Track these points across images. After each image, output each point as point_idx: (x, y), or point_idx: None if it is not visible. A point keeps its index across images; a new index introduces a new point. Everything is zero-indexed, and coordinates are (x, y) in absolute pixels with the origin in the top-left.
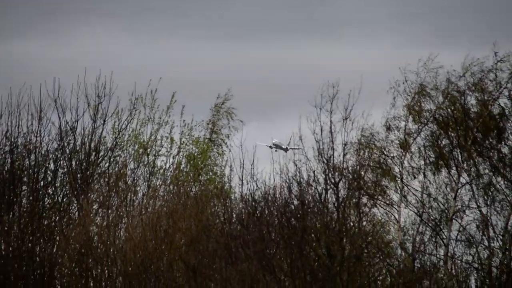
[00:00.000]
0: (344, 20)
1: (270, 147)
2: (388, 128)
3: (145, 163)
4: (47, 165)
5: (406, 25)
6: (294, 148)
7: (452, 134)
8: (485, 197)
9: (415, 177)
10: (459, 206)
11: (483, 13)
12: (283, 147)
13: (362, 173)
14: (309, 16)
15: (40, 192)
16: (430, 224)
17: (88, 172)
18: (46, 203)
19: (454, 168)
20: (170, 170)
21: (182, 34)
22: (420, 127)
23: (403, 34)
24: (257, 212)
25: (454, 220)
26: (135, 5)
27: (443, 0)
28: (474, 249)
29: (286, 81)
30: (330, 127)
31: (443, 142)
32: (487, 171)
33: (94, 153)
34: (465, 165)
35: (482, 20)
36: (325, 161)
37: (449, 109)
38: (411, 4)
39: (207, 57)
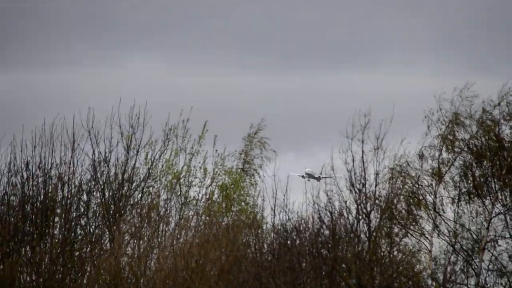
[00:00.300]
0: (378, 47)
1: (303, 176)
2: (421, 157)
3: (178, 193)
4: (80, 196)
5: (442, 52)
6: (326, 177)
7: (486, 164)
8: None
9: (444, 210)
10: (492, 236)
11: None
12: (315, 176)
13: (395, 201)
14: (342, 44)
15: (73, 223)
16: (462, 254)
17: (120, 203)
18: (78, 234)
19: (487, 197)
20: (203, 200)
21: (215, 63)
22: (454, 157)
23: (439, 61)
24: (288, 242)
25: (486, 250)
26: (167, 35)
27: (480, 29)
28: (506, 279)
29: (319, 110)
30: (362, 156)
31: (477, 172)
32: None
33: (127, 184)
34: (499, 194)
35: None
36: (357, 191)
37: (483, 138)
38: (447, 32)
39: (239, 86)
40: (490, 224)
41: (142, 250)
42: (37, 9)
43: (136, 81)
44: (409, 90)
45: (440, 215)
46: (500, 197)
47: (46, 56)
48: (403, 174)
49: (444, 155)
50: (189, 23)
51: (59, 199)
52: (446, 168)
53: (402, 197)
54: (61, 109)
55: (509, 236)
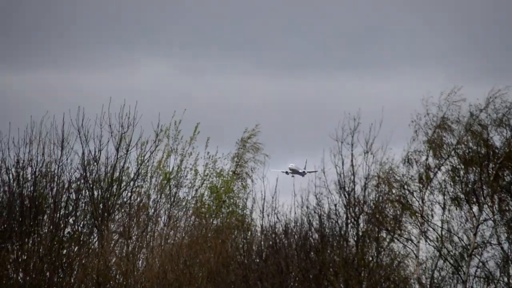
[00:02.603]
0: (368, 54)
1: (287, 172)
2: (408, 162)
3: (167, 194)
4: (68, 194)
5: (429, 59)
6: (311, 172)
7: (475, 169)
8: (507, 234)
9: (433, 215)
10: (479, 242)
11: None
12: (300, 171)
13: (382, 206)
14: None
15: (61, 222)
16: (449, 260)
17: (109, 202)
18: (66, 233)
19: (475, 203)
20: (193, 202)
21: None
22: (441, 162)
23: (427, 67)
24: (277, 245)
25: (473, 256)
26: (160, 35)
27: (468, 36)
28: (493, 286)
29: (311, 114)
30: (351, 160)
31: (465, 177)
32: (509, 207)
33: (116, 183)
34: (487, 200)
35: (507, 55)
36: (346, 195)
37: (471, 144)
38: (435, 39)
39: (233, 90)
40: (478, 230)
41: (130, 249)
42: (28, 6)
43: (126, 80)
44: (397, 95)
45: (426, 221)
46: (488, 203)
47: (35, 57)
48: (390, 179)
49: (431, 160)
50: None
51: (48, 197)
52: (433, 174)
53: (389, 202)
54: (50, 108)
55: (496, 242)
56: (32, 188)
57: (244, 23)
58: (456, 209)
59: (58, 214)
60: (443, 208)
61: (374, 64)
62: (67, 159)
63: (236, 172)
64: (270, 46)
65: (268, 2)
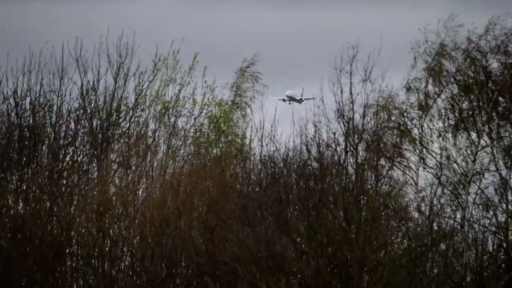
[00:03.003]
0: None
1: (284, 100)
2: (408, 90)
3: (166, 123)
4: (67, 124)
5: None
6: (308, 99)
7: (473, 97)
8: (505, 160)
9: (433, 142)
10: (478, 169)
11: None
12: (297, 98)
13: (381, 134)
14: None
15: (60, 152)
16: (448, 187)
17: (108, 132)
18: (65, 163)
19: (474, 131)
20: (191, 131)
21: None
22: (441, 89)
23: None
24: (276, 174)
25: (472, 183)
26: None
27: None
28: (492, 212)
29: (309, 43)
30: (350, 88)
31: (464, 105)
32: (507, 134)
33: (115, 113)
34: (485, 128)
35: None
36: (345, 123)
37: (469, 71)
38: None
39: (231, 21)
40: (477, 157)
41: (130, 179)
42: None
43: (124, 9)
44: (396, 23)
45: (426, 148)
46: (486, 130)
47: None
48: (389, 106)
49: (431, 87)
50: None
51: (47, 127)
52: (432, 101)
53: (388, 130)
54: (49, 39)
55: (495, 169)
56: (30, 118)
57: None
58: (454, 136)
59: (57, 144)
60: (442, 135)
61: None
62: (65, 89)
63: (235, 101)
64: None
65: None
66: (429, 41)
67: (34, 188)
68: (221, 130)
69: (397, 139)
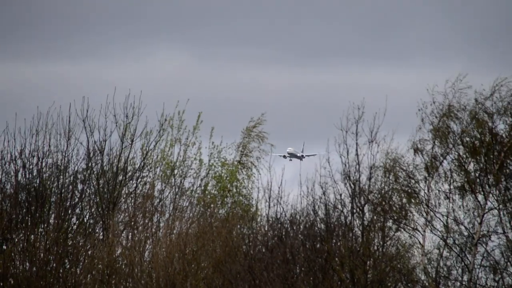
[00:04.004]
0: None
1: (284, 156)
2: (415, 151)
3: (172, 184)
4: (74, 185)
5: (437, 46)
6: (309, 155)
7: (480, 158)
8: None
9: (440, 204)
10: (485, 231)
11: None
12: (298, 155)
13: (388, 196)
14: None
15: (67, 212)
16: (454, 249)
17: (115, 193)
18: (72, 223)
19: (481, 193)
20: (198, 191)
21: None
22: (447, 151)
23: (434, 55)
24: (282, 234)
25: (479, 246)
26: (164, 25)
27: (475, 23)
28: (499, 275)
29: (317, 104)
30: (356, 149)
31: (470, 166)
32: None
33: (121, 174)
34: (492, 190)
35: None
36: (352, 184)
37: (476, 132)
38: (442, 27)
39: (238, 79)
40: (483, 220)
41: (136, 240)
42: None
43: (131, 70)
44: (402, 84)
45: (432, 210)
46: (493, 192)
47: (41, 48)
48: (396, 168)
49: (437, 148)
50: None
51: (54, 187)
52: (439, 163)
53: (395, 191)
54: (57, 99)
55: (502, 231)
56: (37, 178)
57: (251, 16)
58: (461, 198)
59: (64, 205)
60: (448, 197)
61: (381, 54)
62: (72, 150)
63: (241, 161)
64: (277, 39)
65: None
66: (436, 102)
67: (40, 249)
68: (227, 190)
69: (404, 201)
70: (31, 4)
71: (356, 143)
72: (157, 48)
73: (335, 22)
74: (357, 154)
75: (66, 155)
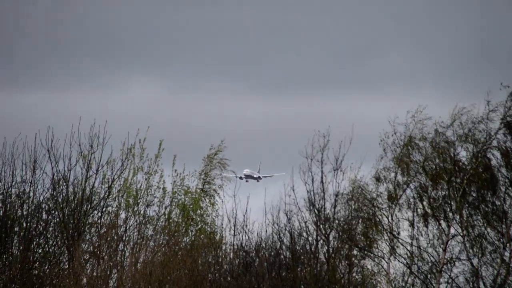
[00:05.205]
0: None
1: (241, 178)
2: (378, 180)
3: (137, 213)
4: (39, 215)
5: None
6: (266, 176)
7: (442, 186)
8: (475, 249)
9: (401, 232)
10: (449, 258)
11: (473, 63)
12: (254, 176)
13: (353, 224)
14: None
15: (32, 242)
16: (419, 276)
17: (80, 222)
18: (37, 253)
19: (444, 220)
20: (162, 220)
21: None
22: (409, 179)
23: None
24: (248, 263)
25: (443, 272)
26: (126, 53)
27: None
28: None
29: (279, 132)
30: (321, 177)
31: (433, 194)
32: (477, 222)
33: (86, 203)
34: (455, 216)
35: (472, 69)
36: (317, 212)
37: (437, 160)
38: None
39: (199, 108)
40: (447, 246)
41: (102, 269)
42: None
43: (96, 99)
44: (368, 113)
45: (396, 237)
46: (456, 219)
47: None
48: (359, 197)
49: (399, 177)
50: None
51: (19, 217)
52: (402, 191)
53: (359, 220)
54: (22, 129)
55: (466, 258)
56: (2, 208)
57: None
58: (425, 225)
59: (29, 235)
60: (412, 225)
61: (348, 83)
62: (37, 180)
63: (203, 189)
64: (246, 67)
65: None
66: (397, 132)
67: (5, 279)
68: (191, 218)
69: (368, 229)
70: None
71: (322, 171)
72: (122, 78)
73: (301, 49)
74: (322, 182)
75: (31, 185)
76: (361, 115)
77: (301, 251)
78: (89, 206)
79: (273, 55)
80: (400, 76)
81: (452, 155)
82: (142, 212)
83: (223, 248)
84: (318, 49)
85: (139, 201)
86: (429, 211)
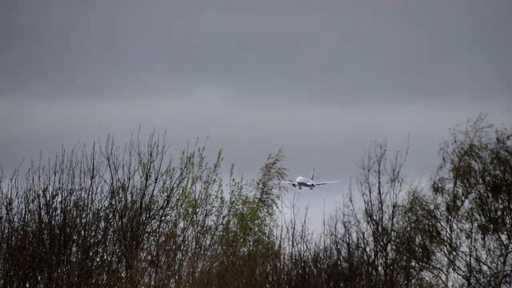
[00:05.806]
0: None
1: (294, 185)
2: (436, 190)
3: (195, 222)
4: (98, 223)
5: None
6: (320, 184)
7: (502, 197)
8: None
9: (460, 244)
10: (509, 271)
11: None
12: (308, 183)
13: (411, 235)
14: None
15: (90, 250)
16: None
17: (138, 231)
18: (95, 262)
19: (504, 232)
20: (219, 230)
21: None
22: (469, 190)
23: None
24: (306, 273)
25: (503, 285)
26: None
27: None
28: None
29: (335, 143)
30: (379, 188)
31: (493, 205)
32: None
33: (145, 212)
34: None
35: None
36: (374, 223)
37: (498, 171)
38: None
39: (256, 118)
40: (507, 259)
41: (159, 278)
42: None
43: (156, 107)
44: (425, 123)
45: (455, 250)
46: None
47: (60, 86)
48: (418, 207)
49: (459, 187)
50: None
51: (77, 226)
52: (460, 202)
53: (417, 231)
54: (81, 137)
55: None
56: (61, 216)
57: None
58: (484, 237)
59: (87, 243)
60: (470, 237)
61: (405, 93)
62: (96, 188)
63: (261, 199)
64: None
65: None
66: (458, 141)
67: (63, 287)
68: (249, 228)
69: (426, 241)
70: (57, 42)
71: (379, 182)
72: (185, 87)
73: (360, 59)
74: (379, 193)
75: (89, 193)
76: (418, 126)
77: (359, 262)
78: (147, 215)
79: (334, 65)
80: (463, 84)
81: None
82: (200, 221)
83: (281, 257)
84: (379, 58)
85: (197, 210)
86: (488, 223)
